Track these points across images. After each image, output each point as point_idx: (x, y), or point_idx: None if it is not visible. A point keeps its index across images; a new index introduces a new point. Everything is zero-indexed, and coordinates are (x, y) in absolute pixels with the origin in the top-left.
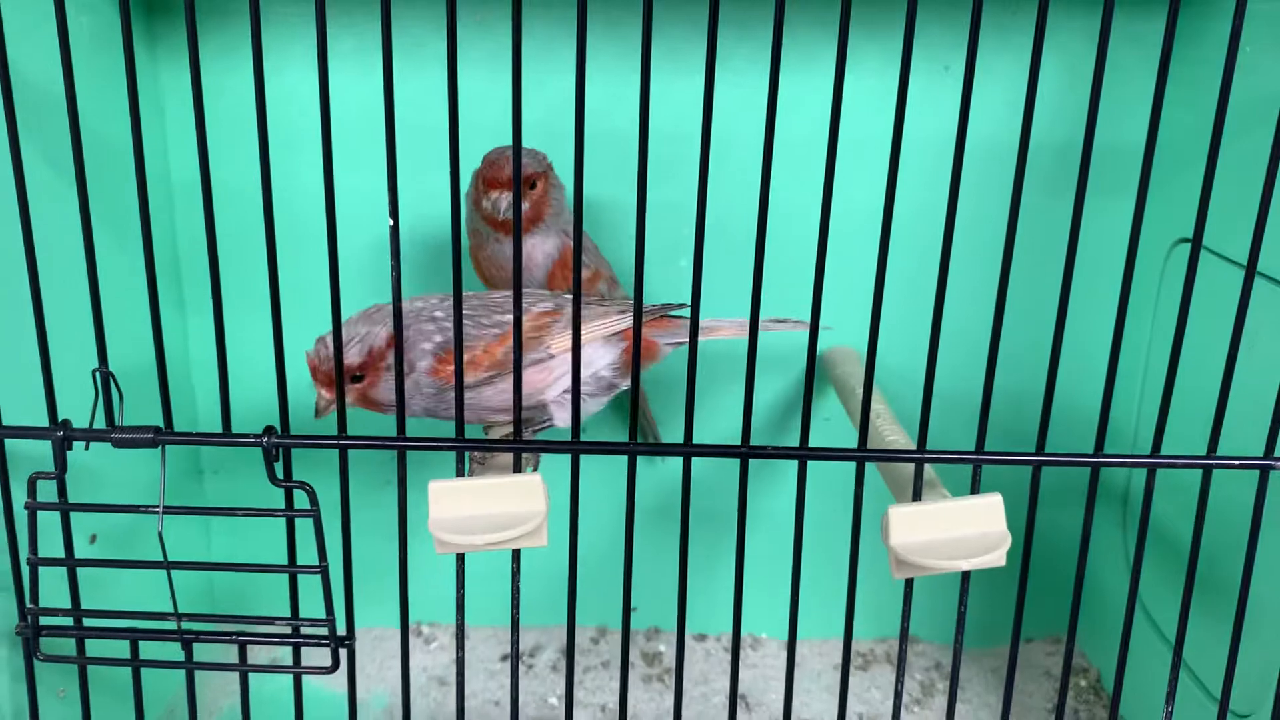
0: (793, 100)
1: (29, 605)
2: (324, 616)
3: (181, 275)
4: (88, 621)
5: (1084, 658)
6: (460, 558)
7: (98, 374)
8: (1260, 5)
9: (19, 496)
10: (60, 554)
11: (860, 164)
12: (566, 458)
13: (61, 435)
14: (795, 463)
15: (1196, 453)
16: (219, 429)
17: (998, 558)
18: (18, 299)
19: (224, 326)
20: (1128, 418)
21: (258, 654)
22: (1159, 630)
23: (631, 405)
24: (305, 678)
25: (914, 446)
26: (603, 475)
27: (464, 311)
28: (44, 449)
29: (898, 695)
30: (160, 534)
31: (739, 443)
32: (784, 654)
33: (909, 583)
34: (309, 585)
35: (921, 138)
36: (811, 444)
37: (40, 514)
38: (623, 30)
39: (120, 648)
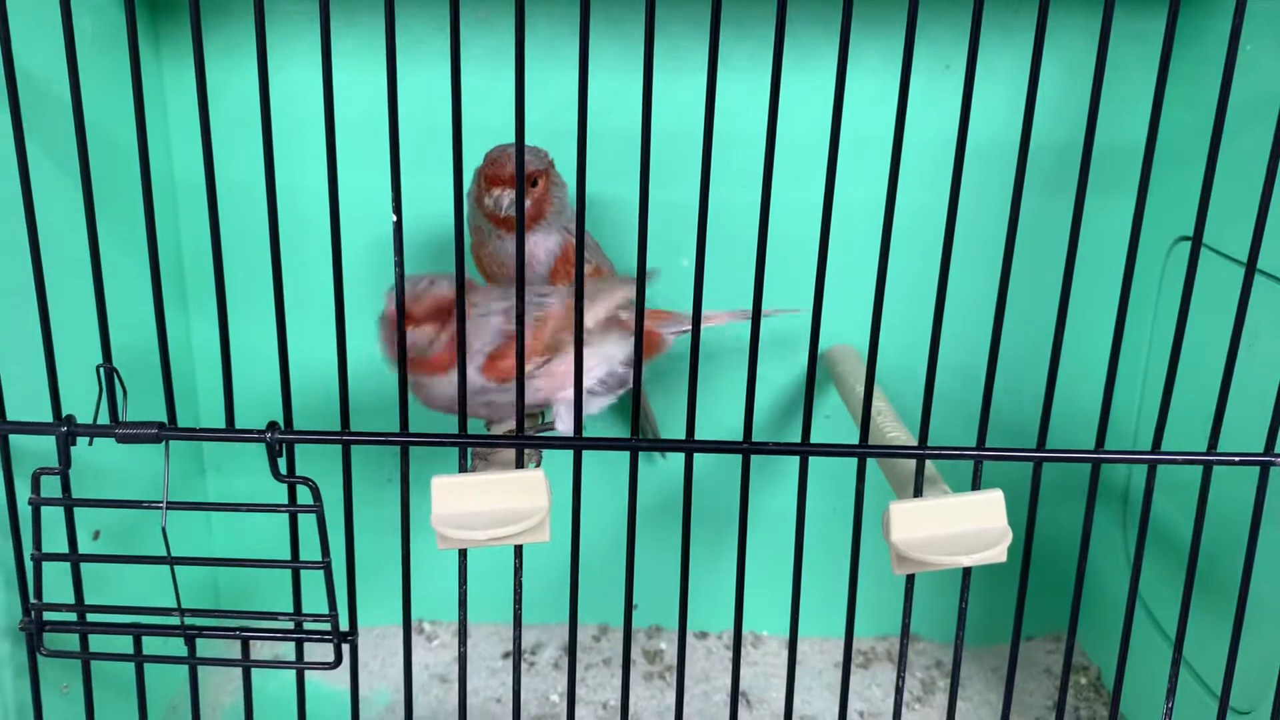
0: (794, 99)
1: (33, 600)
2: (327, 612)
3: (185, 272)
4: (91, 617)
5: (1084, 655)
6: (463, 554)
7: (101, 370)
8: (1260, 4)
9: (23, 492)
10: (64, 549)
11: (861, 162)
12: (567, 457)
13: (65, 431)
14: (796, 461)
15: (1197, 450)
16: (222, 425)
17: (999, 554)
18: (22, 295)
19: (227, 323)
20: (1128, 415)
21: (260, 650)
22: (1159, 627)
23: (633, 401)
24: (308, 676)
25: (915, 443)
26: (604, 473)
27: (503, 309)
28: (48, 445)
29: (899, 693)
30: (164, 529)
31: (740, 439)
32: (785, 652)
33: (910, 581)
34: (311, 581)
35: (922, 136)
36: (813, 441)
37: (44, 509)
38: (625, 29)
39: (124, 643)
